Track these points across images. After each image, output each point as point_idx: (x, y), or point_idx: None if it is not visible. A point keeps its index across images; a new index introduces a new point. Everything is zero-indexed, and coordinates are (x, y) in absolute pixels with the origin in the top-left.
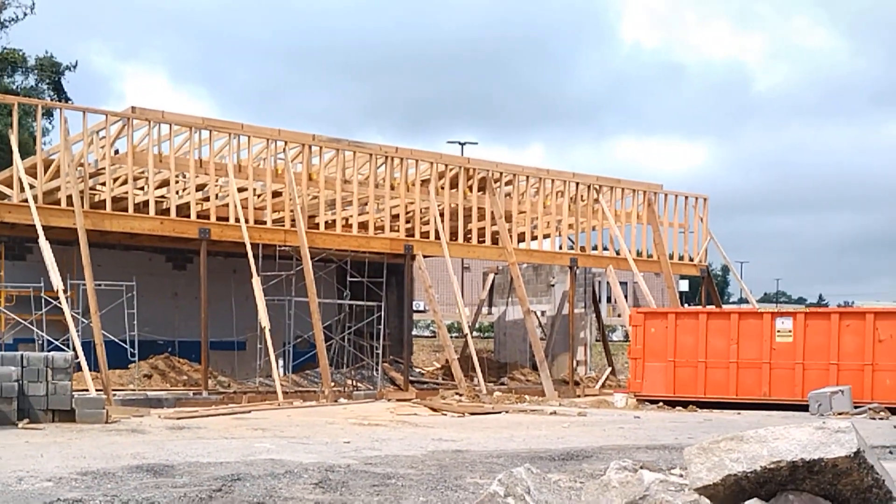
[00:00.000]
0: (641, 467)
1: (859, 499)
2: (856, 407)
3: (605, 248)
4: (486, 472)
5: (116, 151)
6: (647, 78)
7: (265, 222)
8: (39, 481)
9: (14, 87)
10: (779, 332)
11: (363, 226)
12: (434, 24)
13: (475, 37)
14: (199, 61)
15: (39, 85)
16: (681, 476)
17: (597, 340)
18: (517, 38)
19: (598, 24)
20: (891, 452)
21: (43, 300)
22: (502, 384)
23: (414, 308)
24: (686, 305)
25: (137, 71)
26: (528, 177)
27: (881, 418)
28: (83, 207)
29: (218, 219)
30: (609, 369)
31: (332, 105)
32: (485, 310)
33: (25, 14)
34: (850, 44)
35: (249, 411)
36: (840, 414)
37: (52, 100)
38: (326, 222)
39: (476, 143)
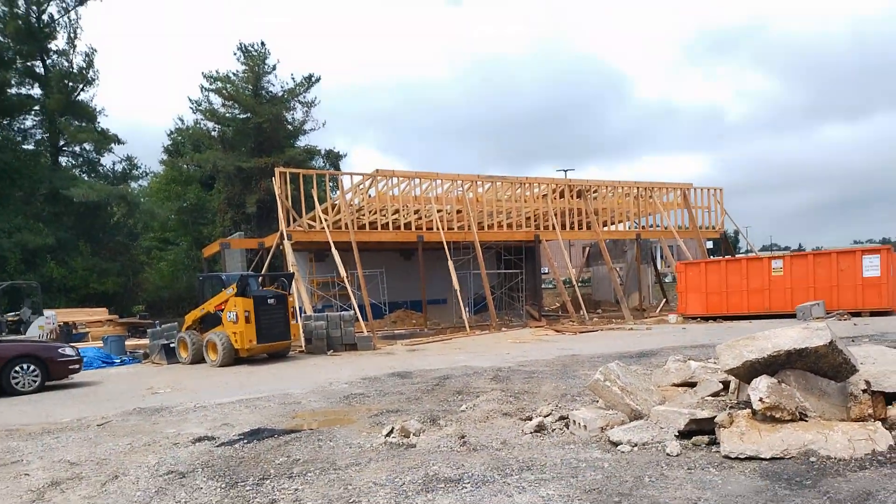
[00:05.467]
0: (689, 359)
1: (834, 371)
2: (828, 314)
3: (658, 227)
4: (591, 366)
5: (370, 195)
6: (654, 119)
7: (453, 229)
8: (340, 384)
9: (315, 166)
10: (774, 269)
11: (510, 225)
12: (519, 101)
13: (545, 106)
14: (392, 141)
15: (326, 164)
16: (714, 363)
17: (654, 283)
18: (569, 104)
19: (621, 89)
20: (853, 340)
21: (336, 283)
22: (598, 313)
23: (542, 272)
24: (711, 257)
25: (361, 149)
26: (607, 187)
27: (844, 319)
28: (354, 229)
29: (427, 229)
30: (664, 300)
31: (471, 157)
32: (585, 269)
33: (318, 128)
34: (785, 85)
35: (450, 338)
36: (818, 318)
37: (332, 170)
38: (489, 224)
39: (574, 169)
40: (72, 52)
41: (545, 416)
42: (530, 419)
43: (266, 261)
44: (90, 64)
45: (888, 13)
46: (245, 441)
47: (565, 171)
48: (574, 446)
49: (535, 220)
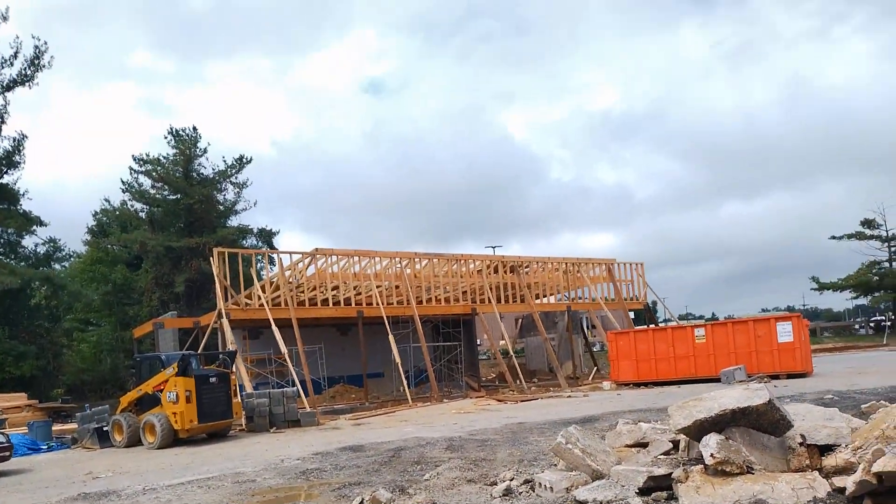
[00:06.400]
0: (639, 421)
1: (773, 427)
2: (749, 377)
3: (586, 299)
4: (540, 433)
5: (308, 273)
6: (570, 197)
7: (392, 303)
8: (292, 460)
9: (247, 245)
10: (697, 336)
11: (447, 299)
12: (439, 180)
13: (466, 185)
14: (316, 219)
15: (259, 242)
16: (661, 424)
17: (585, 352)
18: (489, 183)
19: (536, 170)
20: (779, 399)
21: (273, 360)
22: (534, 382)
23: (477, 343)
24: (638, 327)
25: (285, 227)
26: (537, 262)
27: (765, 382)
28: (294, 306)
29: (367, 304)
30: (595, 368)
31: (397, 234)
32: (518, 340)
33: (249, 208)
34: (686, 166)
35: (394, 411)
36: (741, 381)
37: (270, 249)
38: (427, 299)
39: (501, 245)
40: None
41: (510, 481)
42: (495, 484)
43: (203, 340)
44: (18, 149)
45: (772, 102)
46: None
47: (493, 247)
48: None
49: (472, 294)
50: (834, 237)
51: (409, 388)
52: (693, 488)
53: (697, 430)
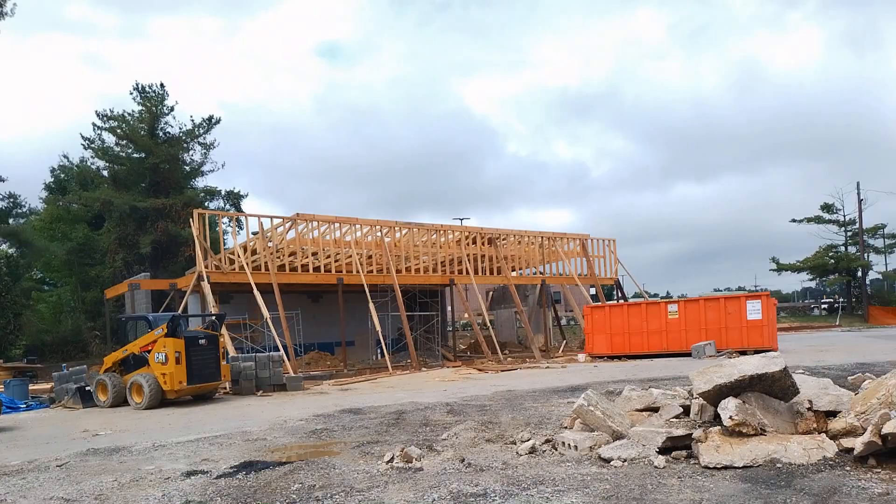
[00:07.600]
0: (649, 387)
1: (783, 393)
2: (718, 352)
3: (560, 274)
4: (533, 399)
5: (287, 238)
6: (526, 172)
7: (372, 271)
8: (294, 421)
9: (213, 208)
10: (670, 312)
11: (426, 269)
12: (393, 150)
13: (421, 156)
14: (266, 184)
15: (226, 204)
16: (671, 391)
17: (554, 325)
18: (446, 154)
19: (492, 144)
20: None
21: (247, 325)
22: (505, 354)
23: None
24: (611, 302)
25: (243, 190)
26: (514, 235)
27: (733, 357)
28: (274, 271)
29: (346, 272)
30: (565, 341)
31: (351, 202)
32: (489, 313)
33: (217, 169)
34: (641, 146)
35: (376, 378)
36: (710, 356)
37: (250, 213)
38: (406, 268)
39: (469, 218)
40: None
41: (530, 440)
42: (514, 444)
43: (179, 303)
44: None
45: (725, 86)
46: (244, 472)
47: (461, 219)
48: (570, 464)
49: (449, 265)
50: (794, 220)
51: (380, 355)
52: (713, 447)
53: (716, 395)
